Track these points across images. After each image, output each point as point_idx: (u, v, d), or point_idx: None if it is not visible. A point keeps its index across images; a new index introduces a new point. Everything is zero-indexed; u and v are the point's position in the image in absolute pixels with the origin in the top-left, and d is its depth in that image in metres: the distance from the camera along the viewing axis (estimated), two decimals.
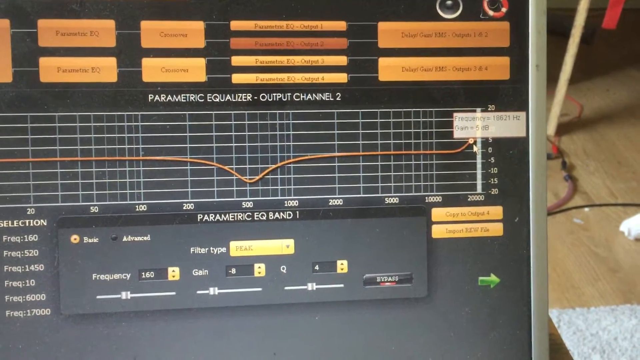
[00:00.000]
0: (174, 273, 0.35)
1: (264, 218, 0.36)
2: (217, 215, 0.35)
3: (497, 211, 0.37)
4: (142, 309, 0.35)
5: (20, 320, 0.34)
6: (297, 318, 0.36)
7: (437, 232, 0.37)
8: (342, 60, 0.36)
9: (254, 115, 0.35)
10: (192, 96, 0.35)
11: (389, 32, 0.36)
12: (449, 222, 0.37)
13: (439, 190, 0.37)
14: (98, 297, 0.35)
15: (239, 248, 0.35)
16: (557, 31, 1.89)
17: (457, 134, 0.37)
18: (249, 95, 0.35)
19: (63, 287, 0.34)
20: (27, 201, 0.34)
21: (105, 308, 0.35)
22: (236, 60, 0.35)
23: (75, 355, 0.34)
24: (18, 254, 0.34)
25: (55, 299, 0.34)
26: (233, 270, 0.35)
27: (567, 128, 1.84)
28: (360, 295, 0.36)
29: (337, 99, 0.36)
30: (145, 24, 0.35)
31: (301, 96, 0.36)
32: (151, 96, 0.35)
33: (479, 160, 0.37)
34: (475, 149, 0.37)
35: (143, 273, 0.35)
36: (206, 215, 0.35)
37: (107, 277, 0.35)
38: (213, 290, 0.35)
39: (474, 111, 0.37)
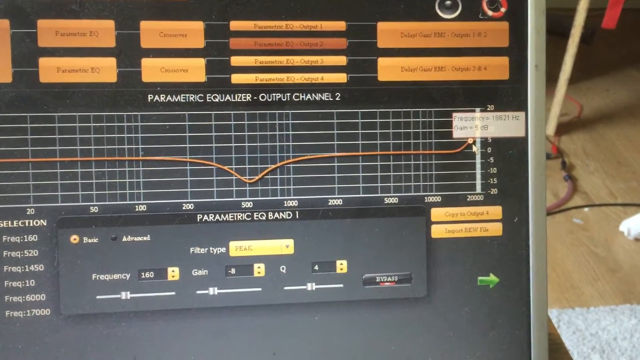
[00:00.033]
0: (173, 273, 0.35)
1: (264, 218, 0.36)
2: (217, 215, 0.35)
3: (496, 211, 0.37)
4: (142, 309, 0.35)
5: (20, 320, 0.34)
6: (296, 318, 0.36)
7: (437, 232, 0.37)
8: (341, 60, 0.36)
9: (253, 115, 0.35)
10: (191, 96, 0.35)
11: (388, 32, 0.36)
12: (448, 222, 0.37)
13: (438, 190, 0.37)
14: (98, 297, 0.35)
15: (238, 248, 0.35)
16: (557, 31, 1.89)
17: (457, 134, 0.37)
18: (249, 96, 0.35)
19: (63, 287, 0.34)
20: (27, 201, 0.34)
21: (105, 308, 0.35)
22: (235, 61, 0.35)
23: (75, 355, 0.34)
24: (18, 254, 0.34)
25: (55, 299, 0.34)
26: (233, 270, 0.35)
27: (566, 128, 1.84)
28: (359, 295, 0.36)
29: (337, 99, 0.36)
30: (144, 24, 0.35)
31: (300, 96, 0.36)
32: (151, 96, 0.35)
33: (478, 160, 0.37)
34: (474, 148, 0.37)
35: (143, 273, 0.35)
36: (206, 215, 0.35)
37: (106, 277, 0.35)
38: (213, 290, 0.35)
39: (473, 111, 0.37)
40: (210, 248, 0.35)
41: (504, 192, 0.37)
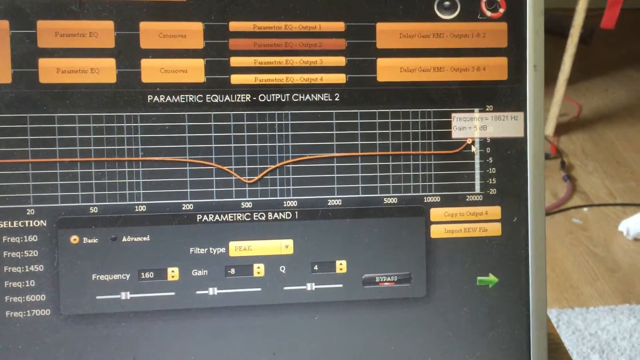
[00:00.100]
0: (173, 273, 0.35)
1: (263, 218, 0.36)
2: (217, 215, 0.35)
3: (495, 211, 0.37)
4: (142, 309, 0.35)
5: (20, 320, 0.34)
6: (296, 318, 0.36)
7: (436, 232, 0.37)
8: (340, 60, 0.36)
9: (252, 115, 0.35)
10: (191, 97, 0.35)
11: (387, 33, 0.36)
12: (447, 222, 0.37)
13: (437, 191, 0.37)
14: (98, 297, 0.35)
15: (238, 248, 0.35)
16: (556, 31, 1.89)
17: (455, 134, 0.37)
18: (248, 96, 0.35)
19: (63, 287, 0.34)
20: (27, 202, 0.34)
21: (104, 308, 0.35)
22: (235, 61, 0.35)
23: (75, 355, 0.34)
24: (18, 254, 0.34)
25: (55, 299, 0.34)
26: (232, 271, 0.35)
27: (565, 128, 1.84)
28: (359, 295, 0.36)
29: (336, 99, 0.36)
30: (144, 25, 0.35)
31: (300, 97, 0.36)
32: (150, 97, 0.35)
33: (477, 161, 0.37)
34: (473, 149, 0.37)
35: (142, 273, 0.35)
36: (205, 216, 0.35)
37: (106, 277, 0.35)
38: (212, 291, 0.35)
39: (472, 111, 0.37)
40: (210, 248, 0.35)
41: (503, 192, 0.37)
